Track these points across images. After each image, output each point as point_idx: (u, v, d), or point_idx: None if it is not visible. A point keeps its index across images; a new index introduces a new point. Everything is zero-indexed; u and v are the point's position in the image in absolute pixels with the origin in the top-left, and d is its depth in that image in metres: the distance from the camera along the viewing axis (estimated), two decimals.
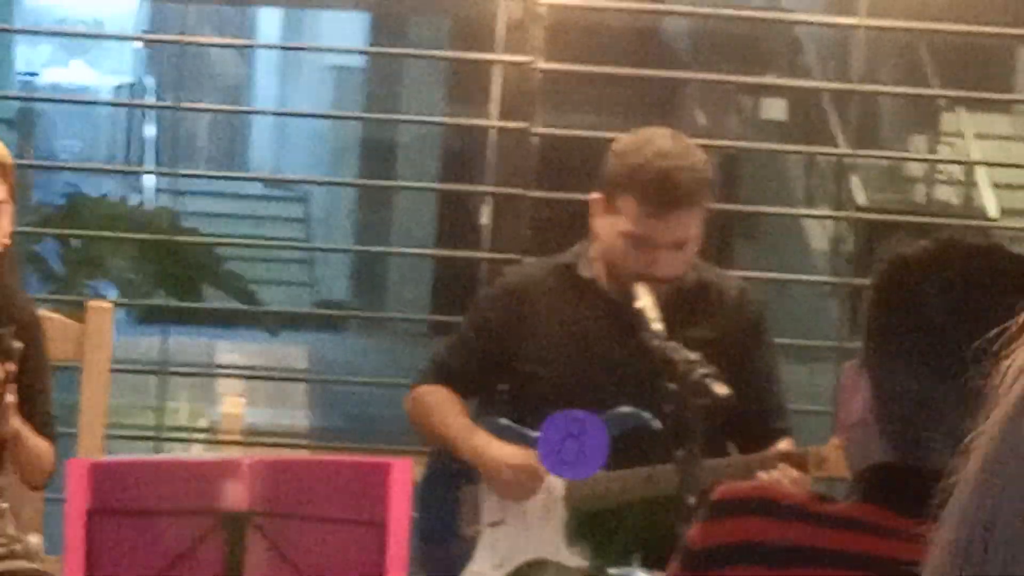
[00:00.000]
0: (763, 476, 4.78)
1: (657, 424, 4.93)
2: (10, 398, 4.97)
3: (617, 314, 5.16)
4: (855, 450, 2.77)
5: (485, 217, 6.41)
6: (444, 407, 5.34)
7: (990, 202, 14.91)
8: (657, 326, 4.92)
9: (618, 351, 5.16)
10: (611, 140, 6.48)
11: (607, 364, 5.16)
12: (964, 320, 2.68)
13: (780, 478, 4.76)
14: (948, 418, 2.68)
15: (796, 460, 4.91)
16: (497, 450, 5.20)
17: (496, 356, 5.33)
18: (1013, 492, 1.41)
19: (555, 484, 5.11)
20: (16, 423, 5.01)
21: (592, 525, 5.11)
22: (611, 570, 3.76)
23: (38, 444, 5.17)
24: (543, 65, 6.30)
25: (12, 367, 4.91)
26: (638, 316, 5.00)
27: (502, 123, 6.35)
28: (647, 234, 5.13)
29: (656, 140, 5.19)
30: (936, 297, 2.69)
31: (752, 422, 4.96)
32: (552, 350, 5.23)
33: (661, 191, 5.10)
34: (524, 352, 5.27)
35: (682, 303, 5.00)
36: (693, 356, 4.62)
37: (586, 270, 5.24)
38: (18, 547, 5.20)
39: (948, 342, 2.67)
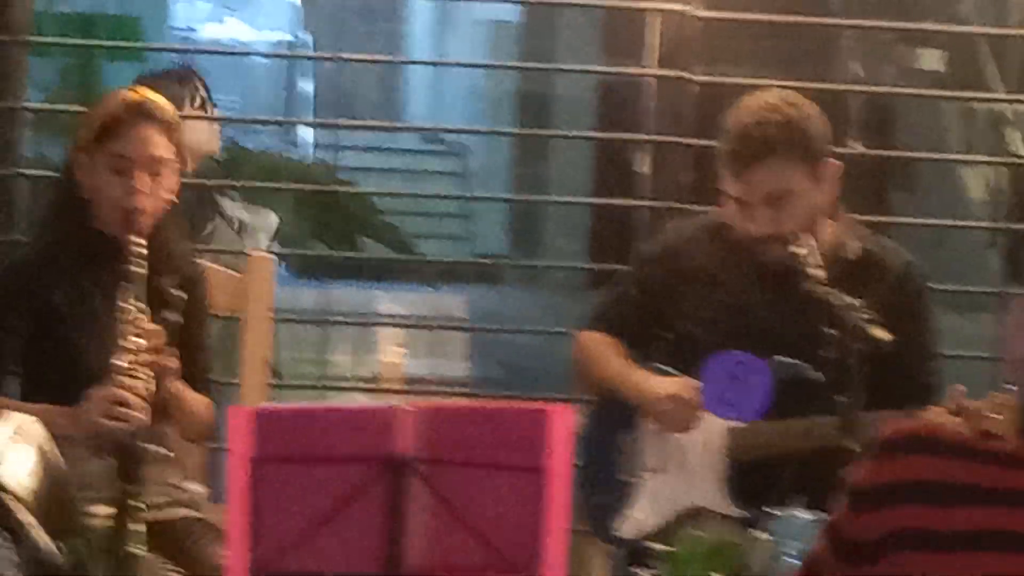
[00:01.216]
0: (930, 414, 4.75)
1: (818, 375, 4.91)
2: (173, 361, 5.02)
3: (772, 267, 5.16)
4: (1023, 387, 2.75)
5: (644, 167, 6.41)
6: (607, 352, 5.36)
7: None
8: (816, 272, 4.92)
9: (775, 302, 5.15)
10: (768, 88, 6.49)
11: (766, 316, 5.15)
12: None
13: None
14: None
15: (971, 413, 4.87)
16: (657, 382, 5.21)
17: (656, 311, 5.34)
18: None
19: (715, 433, 5.12)
20: (177, 384, 5.06)
21: (752, 474, 5.11)
22: (773, 511, 3.75)
23: (196, 401, 5.22)
24: (701, 12, 6.29)
25: (175, 317, 4.96)
26: (797, 261, 5.00)
27: (660, 71, 6.34)
28: (736, 194, 5.15)
29: (755, 100, 5.18)
30: None
31: (907, 400, 4.90)
32: (710, 306, 5.23)
33: (735, 150, 5.15)
34: (683, 308, 5.27)
35: (844, 273, 4.97)
36: (852, 300, 4.61)
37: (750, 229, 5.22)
38: (182, 496, 5.26)
39: None
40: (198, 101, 7.43)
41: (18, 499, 2.81)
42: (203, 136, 7.28)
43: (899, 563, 2.62)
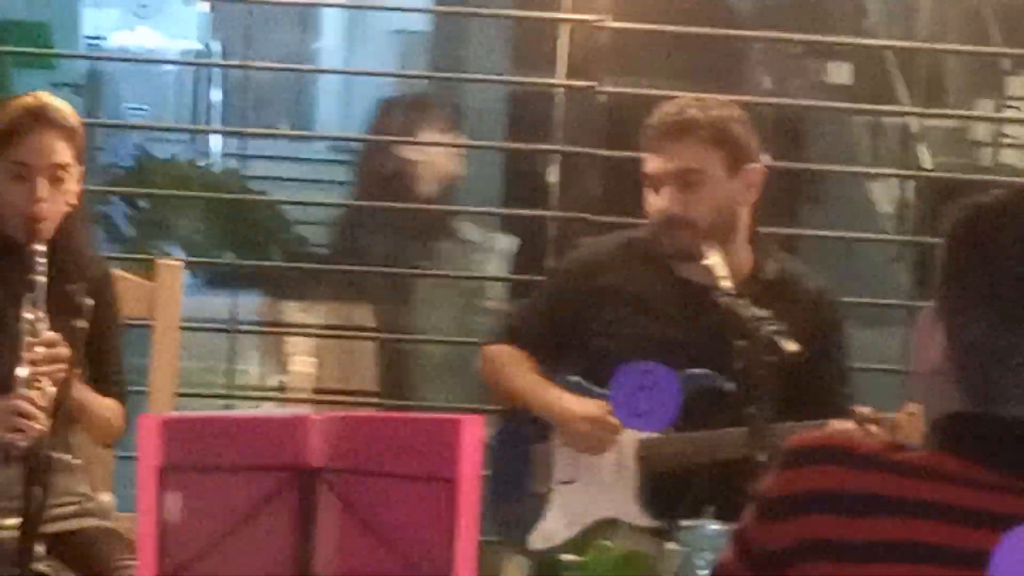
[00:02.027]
0: (837, 425, 4.77)
1: (729, 385, 4.93)
2: (74, 369, 4.99)
3: (684, 282, 5.19)
4: (930, 399, 2.76)
5: (552, 176, 6.42)
6: (517, 365, 5.37)
7: None
8: (726, 283, 4.94)
9: (687, 317, 5.17)
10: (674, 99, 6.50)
11: (677, 329, 5.17)
12: None
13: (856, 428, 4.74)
14: (1011, 358, 2.67)
15: (872, 422, 4.89)
16: (571, 403, 5.22)
17: (568, 324, 5.35)
18: None
19: (627, 444, 5.13)
20: (81, 390, 5.04)
21: (663, 485, 5.12)
22: (683, 522, 3.76)
23: (104, 406, 5.20)
24: (611, 24, 6.31)
25: (83, 324, 4.93)
26: (707, 273, 5.03)
27: (569, 82, 6.36)
28: (652, 171, 5.22)
29: (687, 96, 5.26)
30: (1012, 245, 2.69)
31: (820, 417, 4.91)
32: (623, 319, 5.25)
33: (659, 128, 5.25)
34: (596, 321, 5.29)
35: (761, 293, 4.99)
36: (762, 313, 4.63)
37: (652, 241, 5.25)
38: (91, 504, 5.24)
39: (1017, 288, 2.67)
40: (441, 126, 7.51)
41: None
42: (444, 159, 7.38)
43: (808, 573, 2.62)
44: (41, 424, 4.86)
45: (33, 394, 4.90)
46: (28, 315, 4.96)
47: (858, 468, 2.66)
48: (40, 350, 4.94)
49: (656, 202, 5.19)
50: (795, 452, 2.73)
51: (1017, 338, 2.67)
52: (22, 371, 4.91)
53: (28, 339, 4.95)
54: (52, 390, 4.92)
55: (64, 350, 4.94)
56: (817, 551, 2.63)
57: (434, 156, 6.70)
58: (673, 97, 6.17)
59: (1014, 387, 2.67)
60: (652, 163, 5.21)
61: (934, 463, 2.67)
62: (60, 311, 4.97)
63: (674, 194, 5.16)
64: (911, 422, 4.65)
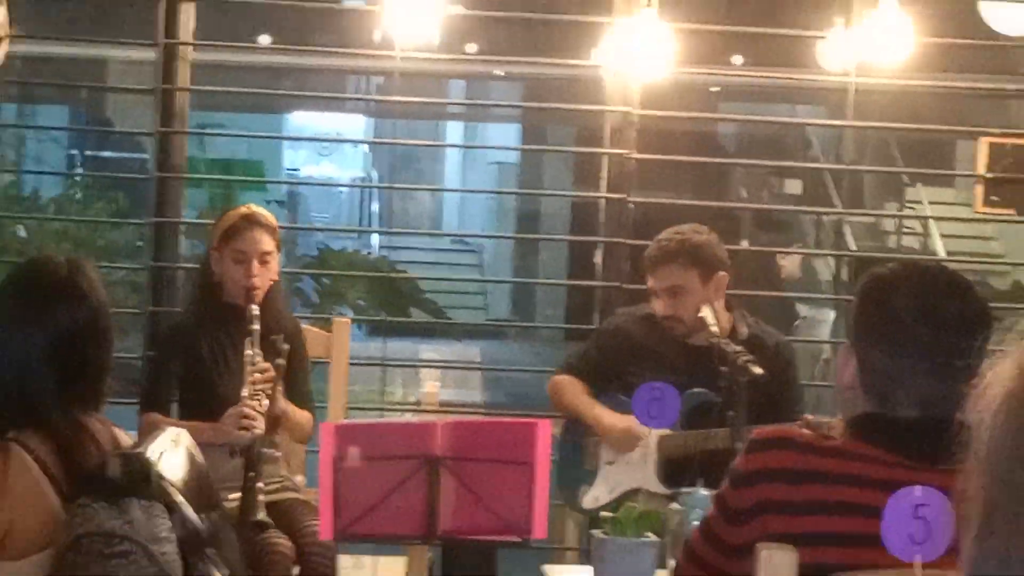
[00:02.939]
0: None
1: (717, 399, 4.91)
2: (280, 389, 5.02)
3: (683, 342, 5.17)
4: (847, 405, 2.76)
5: (598, 258, 6.41)
6: (574, 389, 5.34)
7: (940, 247, 14.81)
8: (715, 328, 4.91)
9: (687, 361, 5.14)
10: (683, 206, 6.49)
11: (679, 369, 5.13)
12: (921, 316, 2.68)
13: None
14: (909, 383, 2.67)
15: (815, 427, 4.84)
16: (609, 417, 5.20)
17: (608, 366, 5.32)
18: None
19: (651, 438, 5.10)
20: (284, 404, 5.05)
21: (674, 465, 5.10)
22: (683, 489, 3.73)
23: (301, 415, 5.21)
24: (636, 155, 6.30)
25: (282, 362, 4.95)
26: (697, 336, 5.03)
27: (608, 195, 6.34)
28: (650, 286, 5.21)
29: (671, 229, 5.22)
30: (901, 299, 2.69)
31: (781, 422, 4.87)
32: (646, 359, 5.22)
33: (650, 256, 5.20)
34: (626, 365, 5.26)
35: (738, 343, 4.95)
36: (738, 348, 4.60)
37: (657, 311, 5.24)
38: (289, 483, 5.24)
39: (909, 331, 2.67)
40: None
41: (174, 485, 2.79)
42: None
43: (765, 524, 2.61)
44: (258, 426, 4.89)
45: (253, 403, 4.94)
46: (248, 351, 4.99)
47: (799, 451, 2.67)
48: (257, 376, 4.97)
49: (655, 306, 5.19)
50: (755, 440, 2.74)
51: (904, 364, 2.67)
52: (245, 390, 4.94)
53: (249, 368, 4.97)
54: (266, 403, 4.95)
55: (272, 375, 4.97)
56: (770, 509, 2.63)
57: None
58: (679, 206, 6.15)
59: (903, 397, 2.68)
60: (649, 280, 5.21)
61: (851, 448, 2.67)
62: (267, 354, 5.00)
63: (666, 302, 5.16)
64: (839, 425, 4.60)
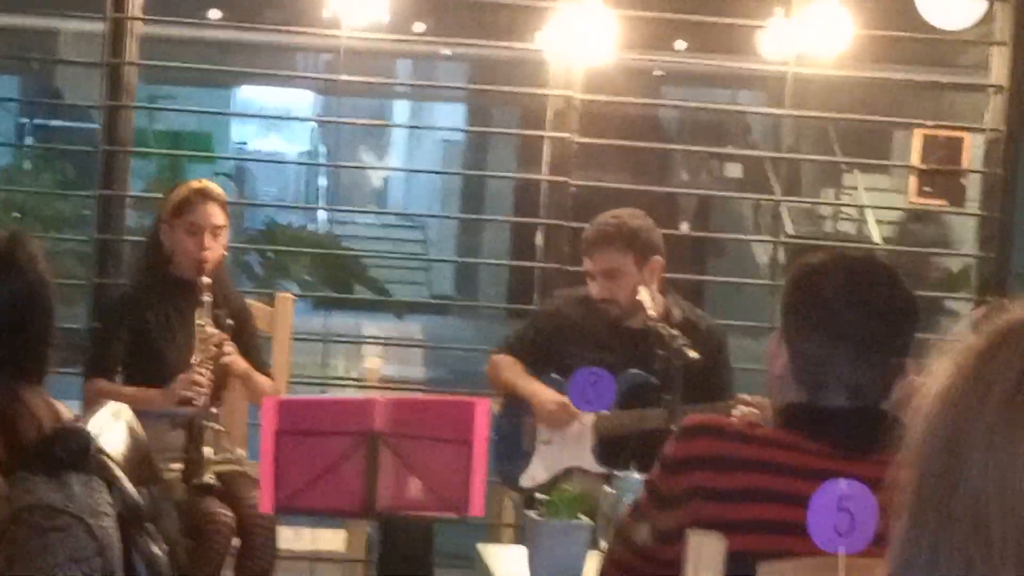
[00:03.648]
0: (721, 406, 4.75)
1: (654, 380, 4.92)
2: (229, 350, 5.04)
3: (618, 324, 5.17)
4: (777, 394, 2.76)
5: (539, 239, 6.40)
6: (511, 367, 5.34)
7: (875, 232, 14.91)
8: (651, 312, 4.91)
9: (623, 342, 5.14)
10: (624, 189, 6.50)
11: (616, 350, 5.14)
12: (848, 305, 2.67)
13: (743, 413, 4.70)
14: (838, 373, 2.67)
15: (749, 405, 4.85)
16: (545, 392, 5.20)
17: (545, 346, 5.31)
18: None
19: (586, 418, 5.10)
20: (243, 366, 5.06)
21: (609, 445, 5.10)
22: (617, 472, 3.73)
23: (263, 378, 5.22)
24: (577, 139, 6.29)
25: (227, 337, 4.96)
26: (633, 319, 5.03)
27: (549, 178, 6.33)
28: (586, 269, 5.21)
29: (608, 213, 5.21)
30: (830, 288, 2.69)
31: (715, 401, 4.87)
32: (583, 341, 5.22)
33: (588, 239, 5.20)
34: (564, 345, 5.26)
35: (672, 327, 4.95)
36: (674, 331, 4.60)
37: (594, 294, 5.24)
38: (231, 455, 5.22)
39: (837, 319, 2.67)
40: None
41: (113, 460, 2.77)
42: None
43: (696, 511, 2.61)
44: (205, 394, 4.91)
45: (202, 371, 4.93)
46: (200, 321, 4.99)
47: (728, 440, 2.66)
48: (207, 343, 4.99)
49: (592, 288, 5.18)
50: (686, 428, 2.73)
51: (832, 354, 2.66)
52: (196, 357, 4.95)
53: (199, 337, 4.97)
54: (213, 373, 4.96)
55: (221, 344, 4.99)
56: (700, 496, 2.62)
57: None
58: (618, 190, 6.15)
59: (832, 386, 2.67)
60: (586, 263, 5.20)
61: (779, 436, 2.67)
62: (214, 325, 5.02)
63: (602, 284, 5.15)
64: (763, 409, 4.60)
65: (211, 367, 4.98)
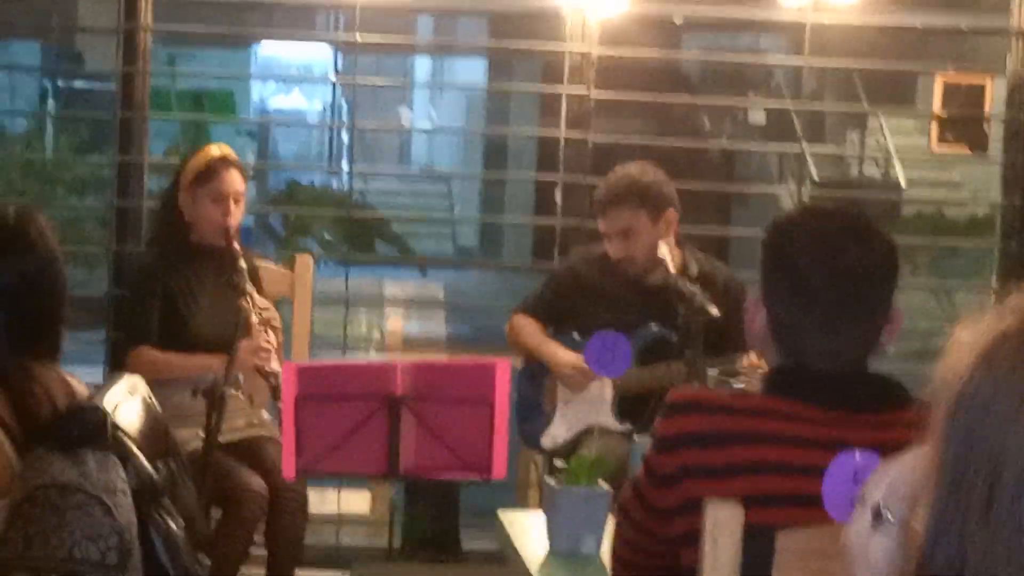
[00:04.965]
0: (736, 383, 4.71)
1: (673, 336, 4.90)
2: (274, 315, 5.05)
3: (637, 280, 5.15)
4: (766, 354, 2.72)
5: (558, 197, 6.38)
6: (530, 328, 5.33)
7: (900, 175, 14.83)
8: (670, 267, 4.90)
9: (642, 299, 5.13)
10: (643, 146, 6.46)
11: (637, 303, 5.13)
12: (817, 269, 2.61)
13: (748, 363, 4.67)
14: (812, 338, 2.62)
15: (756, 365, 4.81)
16: (563, 355, 5.19)
17: (565, 305, 5.31)
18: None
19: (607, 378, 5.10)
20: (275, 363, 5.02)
21: (631, 402, 5.09)
22: (636, 437, 3.71)
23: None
24: (593, 95, 6.25)
25: (269, 305, 5.03)
26: (651, 275, 5.01)
27: (567, 135, 6.30)
28: (601, 229, 5.20)
29: (619, 169, 5.20)
30: (800, 248, 2.63)
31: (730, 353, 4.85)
32: (602, 300, 5.21)
33: (599, 200, 5.19)
34: (583, 303, 5.25)
35: (690, 280, 4.94)
36: (695, 288, 4.58)
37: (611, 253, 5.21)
38: (255, 420, 5.23)
39: (807, 286, 2.61)
40: None
41: (128, 436, 2.76)
42: None
43: (688, 489, 2.59)
44: (274, 360, 4.91)
45: (267, 337, 4.97)
46: (247, 288, 5.01)
47: (714, 414, 2.62)
48: (262, 311, 5.02)
49: (608, 248, 5.17)
50: (672, 405, 2.68)
51: (805, 319, 2.62)
52: (256, 323, 4.98)
53: (250, 305, 4.98)
54: (272, 338, 4.96)
55: (271, 312, 5.06)
56: (692, 473, 2.59)
57: None
58: (638, 144, 6.09)
59: (811, 349, 2.62)
60: (600, 223, 5.19)
61: (768, 405, 2.63)
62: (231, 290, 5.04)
63: (618, 243, 5.14)
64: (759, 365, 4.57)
65: (269, 333, 4.99)
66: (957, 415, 1.33)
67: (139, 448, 2.75)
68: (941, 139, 6.44)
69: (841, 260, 2.59)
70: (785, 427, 2.56)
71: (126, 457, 2.72)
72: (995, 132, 6.64)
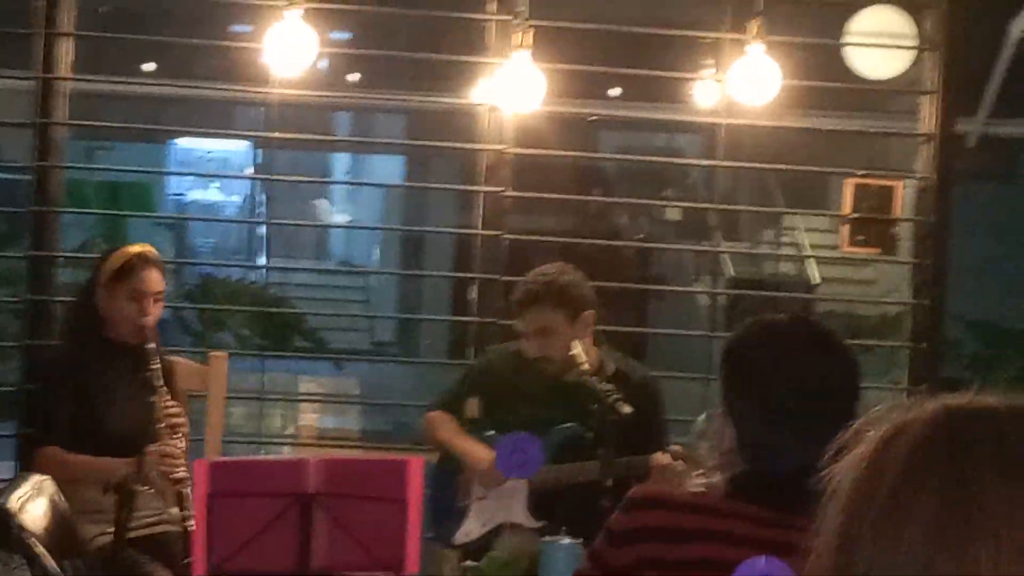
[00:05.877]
0: (660, 457, 4.72)
1: (588, 434, 4.91)
2: (184, 421, 5.02)
3: (553, 373, 5.16)
4: (727, 467, 2.71)
5: (473, 294, 6.39)
6: (446, 424, 5.32)
7: (814, 272, 14.99)
8: (585, 366, 4.91)
9: (558, 396, 5.13)
10: (557, 242, 6.49)
11: (551, 404, 5.13)
12: (782, 381, 2.62)
13: (670, 464, 4.67)
14: (781, 448, 2.62)
15: (681, 457, 4.83)
16: (477, 452, 5.18)
17: (480, 404, 5.31)
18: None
19: None
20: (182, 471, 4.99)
21: (544, 499, 5.09)
22: (544, 538, 3.70)
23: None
24: (509, 193, 6.29)
25: (181, 408, 4.97)
26: (568, 372, 5.02)
27: (483, 232, 6.32)
28: (520, 327, 5.19)
29: (538, 270, 5.21)
30: (762, 365, 2.64)
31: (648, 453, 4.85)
32: (517, 397, 5.21)
33: (518, 299, 5.18)
34: (498, 402, 5.25)
35: (605, 379, 4.95)
36: (608, 386, 4.60)
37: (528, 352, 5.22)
38: (166, 516, 5.18)
39: (773, 398, 2.62)
40: None
41: (35, 535, 2.74)
42: None
43: None
44: (181, 466, 4.88)
45: (174, 443, 4.95)
46: (158, 388, 4.99)
47: (674, 510, 2.62)
48: (171, 414, 4.99)
49: (526, 346, 5.17)
50: (632, 499, 2.69)
51: (772, 431, 2.63)
52: (164, 430, 4.95)
53: (162, 407, 4.97)
54: (182, 444, 4.95)
55: (183, 414, 5.04)
56: (647, 567, 2.59)
57: None
58: (552, 242, 6.10)
59: (777, 461, 2.63)
60: (518, 322, 5.19)
61: (726, 506, 2.63)
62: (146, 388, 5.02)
63: (535, 342, 5.15)
64: (699, 456, 4.59)
65: (180, 438, 4.98)
66: (824, 539, 1.36)
67: (45, 547, 2.72)
68: (852, 240, 6.52)
69: (805, 373, 2.59)
70: (740, 527, 2.57)
71: (32, 557, 2.69)
72: (905, 233, 6.73)
